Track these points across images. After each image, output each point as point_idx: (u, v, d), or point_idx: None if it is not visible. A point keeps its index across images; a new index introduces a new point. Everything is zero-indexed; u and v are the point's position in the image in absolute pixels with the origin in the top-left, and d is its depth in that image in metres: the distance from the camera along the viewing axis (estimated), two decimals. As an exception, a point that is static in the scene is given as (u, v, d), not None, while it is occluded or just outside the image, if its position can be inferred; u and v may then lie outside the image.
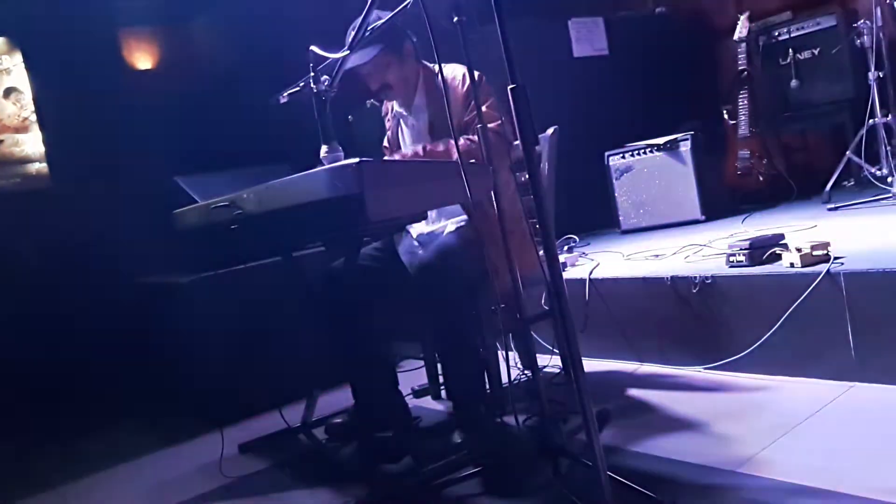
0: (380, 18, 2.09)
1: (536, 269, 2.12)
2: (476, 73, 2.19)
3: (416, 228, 2.51)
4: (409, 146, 2.50)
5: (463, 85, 2.28)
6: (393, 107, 2.56)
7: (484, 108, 2.18)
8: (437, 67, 2.30)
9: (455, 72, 2.30)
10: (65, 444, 3.19)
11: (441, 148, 2.25)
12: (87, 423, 3.35)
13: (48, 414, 3.39)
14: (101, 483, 2.71)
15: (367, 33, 2.06)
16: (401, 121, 2.54)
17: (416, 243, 2.49)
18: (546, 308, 2.80)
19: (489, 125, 2.05)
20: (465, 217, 2.36)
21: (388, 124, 2.63)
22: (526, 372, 2.58)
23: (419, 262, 2.23)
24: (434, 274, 2.15)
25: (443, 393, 2.83)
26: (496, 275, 1.96)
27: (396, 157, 2.43)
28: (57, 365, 3.56)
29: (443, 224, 2.44)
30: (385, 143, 2.67)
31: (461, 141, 2.18)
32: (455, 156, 2.10)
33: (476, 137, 2.03)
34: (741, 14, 4.11)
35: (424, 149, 2.29)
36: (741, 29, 4.06)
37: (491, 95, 2.28)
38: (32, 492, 2.69)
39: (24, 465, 3.05)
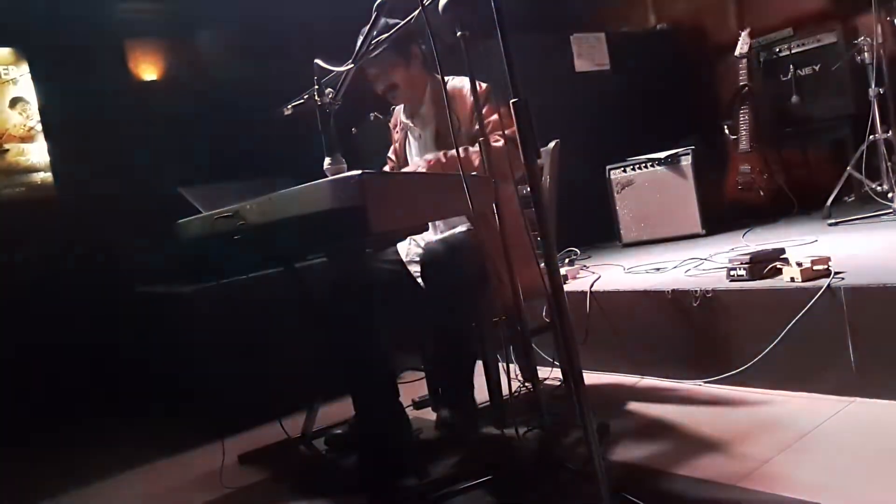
0: (388, 25, 2.11)
1: (538, 281, 2.13)
2: (484, 85, 2.21)
3: (426, 236, 2.52)
4: (415, 157, 2.51)
5: (472, 97, 2.29)
6: (400, 119, 2.58)
7: (495, 117, 2.20)
8: (449, 80, 2.33)
9: (464, 83, 2.32)
10: (65, 453, 3.18)
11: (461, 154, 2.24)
12: (87, 431, 3.34)
13: (48, 422, 3.39)
14: (101, 492, 2.70)
15: (372, 45, 2.09)
16: (408, 133, 2.56)
17: (420, 249, 2.51)
18: (547, 320, 2.80)
19: (506, 131, 2.08)
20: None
21: (395, 136, 2.64)
22: (527, 384, 2.58)
23: (427, 251, 2.25)
24: (441, 263, 2.17)
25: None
26: (499, 286, 1.97)
27: (410, 168, 2.43)
28: (58, 373, 3.56)
29: (451, 232, 2.46)
30: (390, 154, 2.68)
31: (474, 148, 2.19)
32: (476, 162, 2.12)
33: (495, 144, 2.07)
34: (742, 30, 4.14)
35: (446, 154, 2.29)
36: (742, 45, 4.09)
37: (502, 105, 2.30)
38: (32, 500, 2.69)
39: (24, 474, 3.05)
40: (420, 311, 2.34)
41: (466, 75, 1.98)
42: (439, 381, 2.44)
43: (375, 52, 2.21)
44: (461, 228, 2.44)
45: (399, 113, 2.62)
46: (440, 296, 2.21)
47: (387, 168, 2.71)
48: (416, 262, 2.50)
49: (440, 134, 2.40)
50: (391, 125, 2.68)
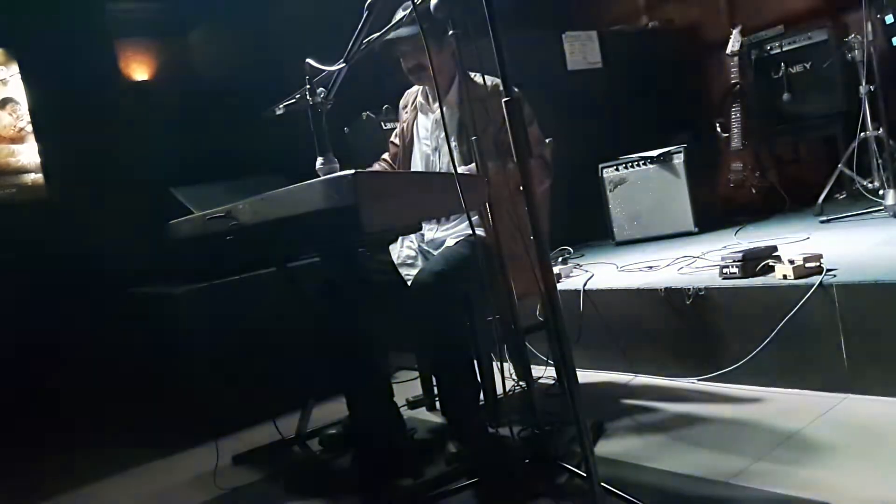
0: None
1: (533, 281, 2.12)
2: (516, 90, 2.19)
3: (423, 233, 2.51)
4: (423, 136, 2.49)
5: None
6: (416, 98, 2.57)
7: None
8: (478, 77, 2.31)
9: (498, 83, 2.29)
10: (59, 454, 3.17)
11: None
12: (81, 433, 3.33)
13: (42, 424, 3.38)
14: (95, 494, 2.69)
15: (364, 46, 2.08)
16: (419, 112, 2.54)
17: (412, 252, 2.50)
18: (541, 319, 2.80)
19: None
20: (465, 232, 2.38)
21: (403, 117, 2.63)
22: (520, 383, 2.58)
23: (416, 282, 2.24)
24: (430, 294, 2.16)
25: (437, 405, 2.83)
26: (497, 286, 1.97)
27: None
28: (51, 375, 3.55)
29: (443, 234, 2.45)
30: (393, 139, 2.66)
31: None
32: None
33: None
34: (734, 28, 4.15)
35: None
36: (734, 43, 4.10)
37: (534, 118, 2.26)
38: (28, 502, 2.67)
39: (19, 476, 3.03)
40: (411, 315, 2.32)
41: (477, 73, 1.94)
42: (448, 415, 2.42)
43: (408, 29, 2.18)
44: (452, 237, 2.43)
45: (413, 94, 2.61)
46: (434, 329, 2.20)
47: (388, 154, 2.70)
48: (407, 264, 2.50)
49: (466, 124, 2.35)
50: (401, 106, 2.66)
